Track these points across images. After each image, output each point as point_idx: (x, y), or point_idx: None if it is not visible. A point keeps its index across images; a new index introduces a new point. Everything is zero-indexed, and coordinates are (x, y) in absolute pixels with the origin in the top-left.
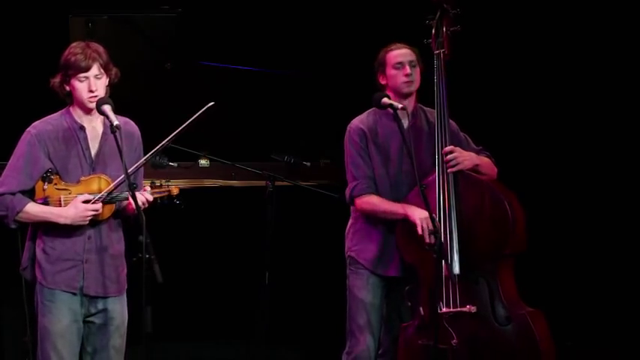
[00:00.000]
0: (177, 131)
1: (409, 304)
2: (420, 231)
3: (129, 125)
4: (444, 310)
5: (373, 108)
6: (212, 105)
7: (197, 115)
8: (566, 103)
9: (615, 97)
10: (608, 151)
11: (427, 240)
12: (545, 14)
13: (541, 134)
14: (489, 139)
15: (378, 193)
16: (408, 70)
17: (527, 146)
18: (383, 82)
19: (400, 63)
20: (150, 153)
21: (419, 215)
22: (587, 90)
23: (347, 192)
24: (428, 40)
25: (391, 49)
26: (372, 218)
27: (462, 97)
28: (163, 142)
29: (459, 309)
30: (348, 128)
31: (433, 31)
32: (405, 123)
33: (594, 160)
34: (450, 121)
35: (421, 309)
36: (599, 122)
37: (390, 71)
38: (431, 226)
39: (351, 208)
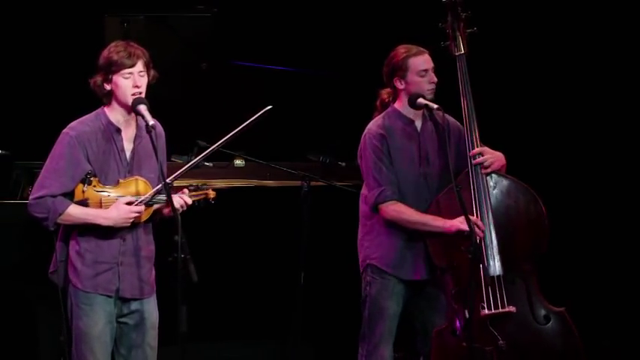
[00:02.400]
0: (232, 133)
1: (455, 307)
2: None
3: (156, 126)
4: (487, 312)
5: (385, 112)
6: (269, 108)
7: (254, 118)
8: (585, 100)
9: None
10: (634, 146)
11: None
12: (560, 12)
13: (561, 132)
14: (503, 138)
15: (401, 198)
16: (434, 77)
17: (546, 144)
18: (400, 86)
19: (426, 70)
20: (196, 159)
21: (457, 225)
22: (606, 87)
23: (370, 198)
24: (445, 43)
25: (414, 54)
26: (391, 223)
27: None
28: (216, 145)
29: (501, 310)
30: (365, 134)
31: (450, 33)
32: (418, 126)
33: (618, 157)
34: (453, 119)
35: (466, 312)
36: (623, 118)
37: (414, 78)
38: (467, 228)
39: (364, 214)
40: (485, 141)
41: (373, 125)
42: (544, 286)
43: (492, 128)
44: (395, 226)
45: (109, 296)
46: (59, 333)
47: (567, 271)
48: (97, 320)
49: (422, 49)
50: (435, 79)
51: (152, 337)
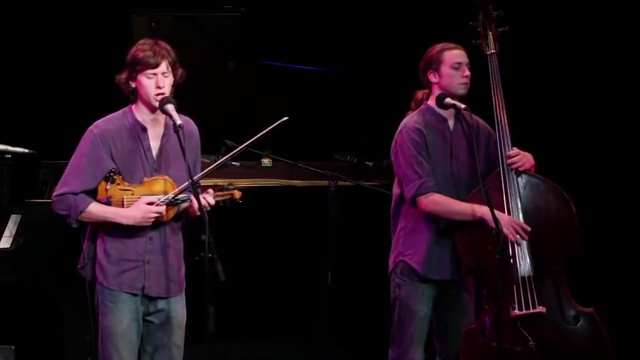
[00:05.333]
0: (248, 142)
1: (486, 307)
2: (507, 234)
3: (189, 125)
4: (517, 312)
5: (419, 109)
6: (286, 119)
7: (271, 127)
8: (616, 100)
9: None
10: None
11: (513, 237)
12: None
13: (593, 131)
14: (535, 138)
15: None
16: (467, 72)
17: (577, 144)
18: (433, 79)
19: (459, 64)
20: (220, 161)
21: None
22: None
23: (410, 190)
24: (477, 42)
25: (449, 48)
26: (422, 221)
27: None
28: (234, 152)
29: (531, 311)
30: (402, 129)
31: (481, 32)
32: (450, 124)
33: None
34: (482, 121)
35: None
36: None
37: (448, 70)
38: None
39: (395, 213)
40: (517, 141)
41: (409, 120)
42: (572, 286)
43: (524, 128)
44: (426, 223)
45: (135, 294)
46: (86, 332)
47: (595, 271)
48: (121, 318)
49: (459, 45)
50: (468, 74)
51: (178, 336)
